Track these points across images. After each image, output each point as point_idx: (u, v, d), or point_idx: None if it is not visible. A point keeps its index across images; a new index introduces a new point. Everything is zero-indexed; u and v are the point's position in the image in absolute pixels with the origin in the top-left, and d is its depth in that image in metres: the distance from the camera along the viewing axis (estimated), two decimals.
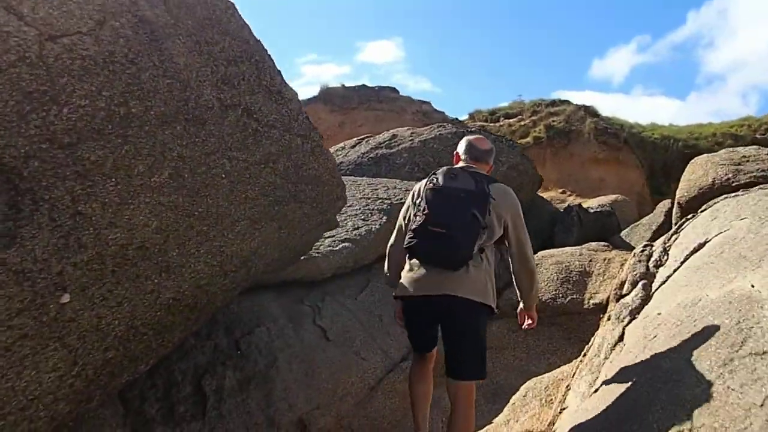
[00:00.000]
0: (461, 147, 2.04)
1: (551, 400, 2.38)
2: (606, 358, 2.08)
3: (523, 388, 2.59)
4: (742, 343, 1.37)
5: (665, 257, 2.60)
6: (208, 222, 2.03)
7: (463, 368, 1.82)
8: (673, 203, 4.67)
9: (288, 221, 2.46)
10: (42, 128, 1.53)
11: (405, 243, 1.82)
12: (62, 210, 1.59)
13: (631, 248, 4.54)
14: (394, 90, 15.60)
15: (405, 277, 1.88)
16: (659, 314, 1.96)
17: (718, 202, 3.00)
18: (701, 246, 2.38)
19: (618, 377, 1.74)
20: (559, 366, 2.81)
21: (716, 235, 2.37)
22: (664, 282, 2.30)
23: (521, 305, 2.02)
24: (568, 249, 4.49)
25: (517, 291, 1.98)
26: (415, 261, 1.85)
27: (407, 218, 1.97)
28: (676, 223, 3.31)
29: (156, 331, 1.99)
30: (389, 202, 4.44)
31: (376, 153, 6.39)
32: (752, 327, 1.41)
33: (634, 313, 2.21)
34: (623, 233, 6.39)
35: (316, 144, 2.54)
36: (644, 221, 6.52)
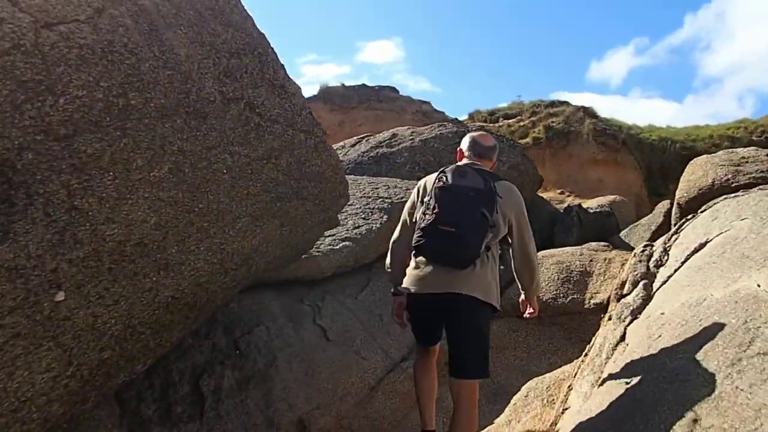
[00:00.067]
0: (465, 143, 2.04)
1: (553, 400, 2.36)
2: (608, 358, 2.07)
3: (524, 388, 2.57)
4: (750, 342, 1.36)
5: (666, 257, 2.59)
6: (209, 218, 2.00)
7: (467, 367, 1.81)
8: (671, 204, 4.68)
9: (290, 218, 2.44)
10: (37, 119, 1.50)
11: (413, 241, 1.82)
12: (57, 204, 1.55)
13: (630, 248, 4.54)
14: (394, 90, 15.59)
15: (411, 274, 1.88)
16: (663, 314, 1.95)
17: (718, 202, 3.00)
18: (702, 246, 2.38)
19: (622, 377, 1.72)
20: (560, 366, 2.80)
21: (717, 236, 2.37)
22: (665, 282, 2.30)
23: (522, 295, 2.05)
24: (568, 249, 4.48)
25: (519, 284, 2.01)
26: (421, 259, 1.84)
27: (413, 214, 1.97)
28: (675, 224, 3.31)
29: (154, 331, 1.95)
30: (390, 201, 4.42)
31: (376, 152, 6.37)
32: (760, 327, 1.40)
33: (635, 313, 2.20)
34: (622, 234, 6.40)
35: (320, 140, 2.51)
36: (643, 222, 6.53)
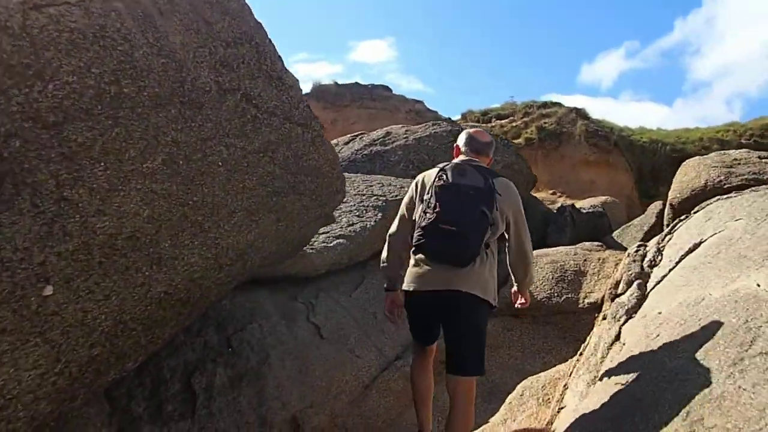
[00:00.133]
0: (462, 140, 2.04)
1: (548, 399, 2.37)
2: (603, 357, 2.07)
3: (519, 387, 2.57)
4: (751, 342, 1.36)
5: (660, 257, 2.61)
6: (203, 212, 1.95)
7: (467, 364, 1.82)
8: (664, 205, 4.72)
9: (286, 213, 2.39)
10: (25, 105, 1.43)
11: (414, 240, 1.82)
12: (46, 195, 1.49)
13: (623, 249, 4.58)
14: (387, 88, 15.56)
15: (411, 272, 1.88)
16: (660, 313, 1.95)
17: (711, 203, 3.03)
18: (696, 246, 2.40)
19: (619, 376, 1.72)
20: (555, 365, 2.81)
21: (711, 236, 2.39)
22: (659, 282, 2.32)
23: (515, 287, 2.08)
24: (562, 248, 4.51)
25: (512, 277, 2.04)
26: (421, 257, 1.84)
27: (411, 208, 1.97)
28: (668, 224, 3.34)
29: (145, 327, 1.90)
30: (384, 198, 4.40)
31: (370, 150, 6.33)
32: (761, 326, 1.40)
33: (630, 313, 2.21)
34: (614, 234, 6.46)
35: (317, 134, 2.47)
36: (636, 222, 6.61)
